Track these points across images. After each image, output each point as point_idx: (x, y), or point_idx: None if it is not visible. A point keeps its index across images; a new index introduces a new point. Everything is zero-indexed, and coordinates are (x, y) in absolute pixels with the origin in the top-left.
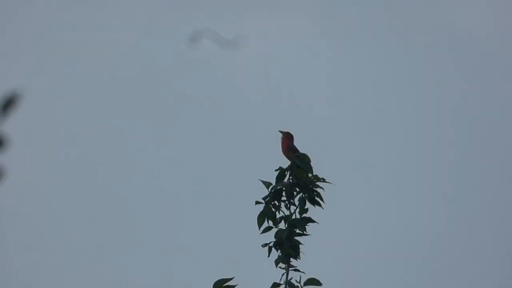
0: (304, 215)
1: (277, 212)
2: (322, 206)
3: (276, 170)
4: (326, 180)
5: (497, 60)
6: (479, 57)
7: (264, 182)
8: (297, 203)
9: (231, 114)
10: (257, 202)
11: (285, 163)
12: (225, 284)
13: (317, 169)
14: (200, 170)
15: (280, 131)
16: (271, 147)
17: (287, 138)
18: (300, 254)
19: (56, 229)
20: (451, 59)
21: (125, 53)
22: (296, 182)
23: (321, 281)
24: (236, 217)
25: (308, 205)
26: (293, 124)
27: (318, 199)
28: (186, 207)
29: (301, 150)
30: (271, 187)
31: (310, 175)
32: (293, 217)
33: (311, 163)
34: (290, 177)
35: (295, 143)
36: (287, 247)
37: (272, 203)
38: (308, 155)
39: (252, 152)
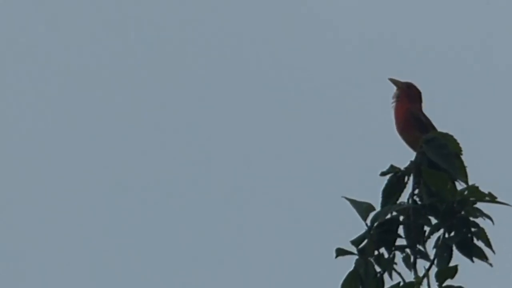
0: (449, 282)
1: (386, 274)
2: (489, 261)
3: (382, 175)
4: (497, 199)
5: None
6: None
7: (353, 203)
8: (432, 252)
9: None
10: (341, 252)
11: (402, 157)
12: None
13: (473, 170)
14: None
15: (392, 80)
16: (368, 119)
17: (406, 96)
18: None
19: None
20: None
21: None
22: (430, 204)
23: None
24: (299, 281)
25: (457, 256)
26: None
27: (480, 242)
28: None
29: (439, 125)
30: (372, 214)
31: (461, 183)
32: (424, 285)
33: (462, 154)
34: (416, 191)
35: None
36: None
37: (376, 252)
38: (453, 135)
39: (326, 133)
